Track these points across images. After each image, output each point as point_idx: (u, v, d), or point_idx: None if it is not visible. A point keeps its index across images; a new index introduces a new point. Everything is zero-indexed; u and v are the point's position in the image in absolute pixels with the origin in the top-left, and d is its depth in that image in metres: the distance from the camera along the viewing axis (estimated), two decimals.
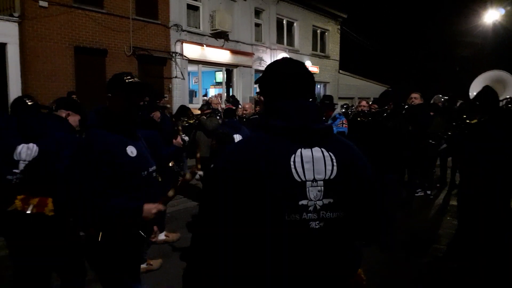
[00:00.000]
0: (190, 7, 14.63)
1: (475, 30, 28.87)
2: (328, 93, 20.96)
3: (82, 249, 2.63)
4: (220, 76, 17.51)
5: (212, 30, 15.14)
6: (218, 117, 7.60)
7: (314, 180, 1.37)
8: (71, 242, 2.69)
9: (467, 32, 30.01)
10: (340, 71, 23.70)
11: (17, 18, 9.91)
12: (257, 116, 6.51)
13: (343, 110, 10.22)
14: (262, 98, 1.53)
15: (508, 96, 4.93)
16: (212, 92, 18.01)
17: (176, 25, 13.77)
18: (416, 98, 6.48)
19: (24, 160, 2.56)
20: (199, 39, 14.76)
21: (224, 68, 16.59)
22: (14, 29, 9.83)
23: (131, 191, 2.12)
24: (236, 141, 5.29)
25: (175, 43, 13.88)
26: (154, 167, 2.32)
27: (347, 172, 1.41)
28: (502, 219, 3.72)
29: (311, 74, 1.54)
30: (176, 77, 14.00)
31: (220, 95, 15.13)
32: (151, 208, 2.13)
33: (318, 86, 22.39)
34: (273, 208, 1.32)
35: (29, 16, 9.99)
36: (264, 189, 1.31)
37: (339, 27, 23.09)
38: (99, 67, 11.62)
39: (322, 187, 1.37)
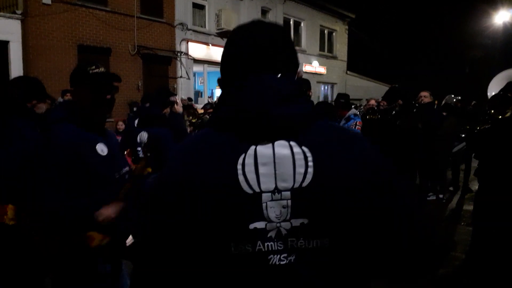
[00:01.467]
0: (195, 5, 14.45)
1: (485, 31, 28.47)
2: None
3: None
4: None
5: (218, 29, 14.94)
6: None
7: (276, 190, 0.91)
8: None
9: (477, 33, 29.61)
10: (348, 72, 23.40)
11: (20, 16, 9.78)
12: None
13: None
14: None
15: None
16: (218, 92, 17.80)
17: (181, 24, 13.59)
18: (425, 96, 6.24)
19: None
20: (204, 39, 14.57)
21: None
22: (17, 26, 9.69)
23: (100, 195, 1.84)
24: None
25: (180, 42, 13.70)
26: (127, 169, 2.06)
27: (334, 175, 0.92)
28: None
29: (286, 35, 1.06)
30: (181, 76, 13.81)
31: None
32: (108, 209, 1.82)
33: (326, 87, 22.10)
34: (213, 238, 0.92)
35: (32, 13, 9.86)
36: (202, 209, 0.92)
37: (347, 27, 22.81)
38: (103, 66, 11.41)
39: (289, 201, 0.91)
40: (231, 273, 0.93)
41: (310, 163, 0.92)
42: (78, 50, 10.85)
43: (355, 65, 24.37)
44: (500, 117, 3.37)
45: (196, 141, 1.02)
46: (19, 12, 9.78)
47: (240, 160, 0.92)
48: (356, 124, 5.18)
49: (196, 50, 14.19)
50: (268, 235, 0.91)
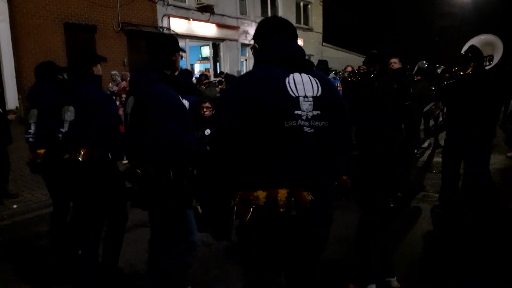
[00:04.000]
0: None
1: (453, 0, 29.40)
2: None
3: (127, 194, 2.98)
4: (206, 51, 17.63)
5: (198, 3, 15.22)
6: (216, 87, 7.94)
7: (305, 96, 1.72)
8: (117, 186, 3.05)
9: (446, 2, 30.54)
10: (324, 43, 24.00)
11: None
12: None
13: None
14: (257, 45, 1.91)
15: (491, 54, 5.45)
16: (198, 67, 18.13)
17: None
18: (395, 62, 6.96)
19: (66, 120, 2.86)
20: (185, 13, 14.84)
21: (210, 43, 16.72)
22: (4, 6, 9.82)
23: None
24: None
25: (162, 17, 13.96)
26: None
27: (328, 93, 1.80)
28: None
29: (292, 25, 1.96)
30: None
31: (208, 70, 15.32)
32: None
33: None
34: (276, 116, 1.67)
35: None
36: (267, 103, 1.67)
37: None
38: (89, 43, 11.68)
39: (312, 102, 1.73)
40: (286, 136, 1.69)
41: (319, 85, 1.79)
42: (64, 28, 11.04)
43: (330, 37, 24.97)
44: (462, 73, 4.12)
45: (256, 71, 1.85)
46: None
47: (287, 80, 1.74)
48: (337, 86, 5.89)
49: (178, 25, 14.49)
50: (303, 117, 1.72)
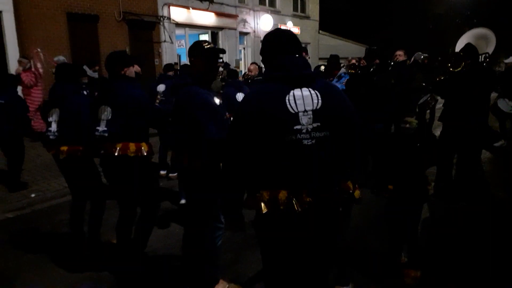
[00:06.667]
0: None
1: None
2: (309, 53, 21.45)
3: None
4: (204, 38, 17.73)
5: None
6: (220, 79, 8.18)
7: (305, 110, 1.87)
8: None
9: None
10: (320, 31, 24.13)
11: None
12: (261, 77, 7.13)
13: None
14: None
15: (487, 51, 5.74)
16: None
17: None
18: (400, 55, 7.26)
19: (103, 120, 3.16)
20: (185, 2, 14.93)
21: (209, 31, 16.84)
22: None
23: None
24: (238, 99, 6.05)
25: (162, 6, 14.06)
26: (227, 115, 3.01)
27: (330, 104, 1.92)
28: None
29: (296, 37, 2.09)
30: (164, 41, 14.28)
31: None
32: None
33: None
34: (275, 132, 1.85)
35: None
36: (268, 120, 1.85)
37: None
38: (92, 33, 11.83)
39: (311, 115, 1.87)
40: (285, 150, 1.87)
41: (319, 98, 1.91)
42: (67, 18, 11.15)
43: (327, 24, 25.08)
44: (454, 70, 4.47)
45: (261, 88, 2.01)
46: None
47: (287, 97, 1.89)
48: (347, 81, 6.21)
49: (178, 14, 14.59)
50: (303, 131, 1.87)
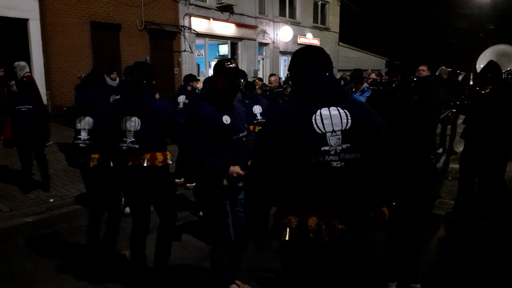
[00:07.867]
0: None
1: (471, 1, 29.13)
2: None
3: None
4: (223, 48, 17.87)
5: (218, 3, 15.48)
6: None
7: (333, 131, 1.77)
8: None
9: (464, 3, 30.26)
10: (340, 43, 24.10)
11: None
12: (281, 89, 7.12)
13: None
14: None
15: (509, 68, 5.64)
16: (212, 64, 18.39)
17: None
18: (423, 70, 7.13)
19: (129, 131, 3.08)
20: (206, 13, 15.12)
21: (229, 41, 16.98)
22: (35, 5, 10.16)
23: (223, 150, 2.80)
24: (255, 112, 6.08)
25: (184, 17, 14.26)
26: (245, 133, 2.95)
27: (361, 124, 1.82)
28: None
29: (326, 54, 1.97)
30: (185, 50, 14.45)
31: None
32: (234, 168, 2.79)
33: None
34: (302, 153, 1.76)
35: None
36: (294, 140, 1.76)
37: None
38: (114, 41, 12.06)
39: (340, 136, 1.78)
40: (312, 172, 1.78)
41: (349, 118, 1.81)
42: (91, 26, 11.39)
43: (346, 36, 25.06)
44: (482, 92, 4.39)
45: (286, 107, 1.96)
46: None
47: (313, 117, 1.79)
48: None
49: (198, 24, 14.77)
50: (331, 152, 1.78)
